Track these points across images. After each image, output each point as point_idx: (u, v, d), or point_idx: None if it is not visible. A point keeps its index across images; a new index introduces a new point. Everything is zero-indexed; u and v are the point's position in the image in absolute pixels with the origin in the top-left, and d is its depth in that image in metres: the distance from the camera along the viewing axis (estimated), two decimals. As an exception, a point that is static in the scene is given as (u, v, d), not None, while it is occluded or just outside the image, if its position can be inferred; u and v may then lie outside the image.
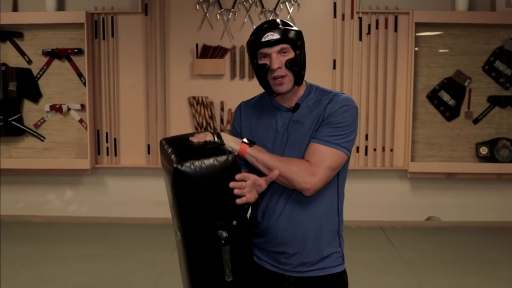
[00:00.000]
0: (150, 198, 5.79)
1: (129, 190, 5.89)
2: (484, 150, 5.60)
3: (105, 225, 5.79)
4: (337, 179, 2.04)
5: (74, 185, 5.94)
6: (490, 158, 5.59)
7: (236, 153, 1.86)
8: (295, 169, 1.90)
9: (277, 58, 1.95)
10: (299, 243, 2.02)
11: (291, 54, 1.96)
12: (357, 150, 5.61)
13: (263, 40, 1.95)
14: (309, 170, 1.90)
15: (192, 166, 1.78)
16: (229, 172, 1.83)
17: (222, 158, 1.81)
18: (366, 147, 5.64)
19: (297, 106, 2.03)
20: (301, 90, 2.06)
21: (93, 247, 5.13)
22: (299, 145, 1.99)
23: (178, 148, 1.90)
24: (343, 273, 2.09)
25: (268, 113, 2.09)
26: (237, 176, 1.83)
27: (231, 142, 1.93)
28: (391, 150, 5.64)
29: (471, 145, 5.65)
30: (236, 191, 1.83)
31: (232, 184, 1.82)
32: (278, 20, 2.01)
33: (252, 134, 2.08)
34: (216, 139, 1.90)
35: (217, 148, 1.87)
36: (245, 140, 1.96)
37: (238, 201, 1.84)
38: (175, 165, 1.78)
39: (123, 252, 5.04)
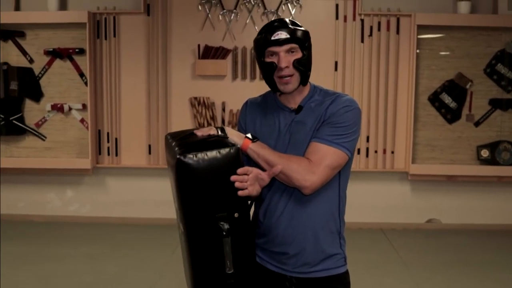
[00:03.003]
0: (150, 198, 5.79)
1: (129, 190, 5.89)
2: (485, 153, 5.60)
3: (105, 225, 5.79)
4: (338, 180, 2.04)
5: (75, 185, 5.94)
6: (491, 161, 5.58)
7: (239, 147, 1.87)
8: (295, 166, 1.90)
9: (285, 57, 1.96)
10: (299, 243, 2.02)
11: (298, 54, 1.98)
12: (358, 152, 5.61)
13: (272, 38, 1.96)
14: (309, 168, 1.90)
15: (195, 158, 1.80)
16: (232, 165, 1.84)
17: (225, 151, 1.83)
18: (367, 149, 5.64)
19: (299, 108, 2.04)
20: (305, 91, 2.07)
21: (94, 246, 5.13)
22: (301, 145, 1.99)
23: (182, 141, 1.93)
24: (346, 274, 2.09)
25: (272, 112, 2.10)
26: (239, 170, 1.85)
27: (235, 137, 1.95)
28: (392, 152, 5.64)
29: (472, 147, 5.65)
30: (237, 184, 1.84)
31: (233, 178, 1.84)
32: (287, 20, 2.02)
33: (256, 132, 2.08)
34: (220, 132, 1.94)
35: (220, 141, 1.89)
36: (248, 135, 1.97)
37: (240, 193, 1.85)
38: (178, 156, 1.80)
39: (124, 251, 5.04)
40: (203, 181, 1.82)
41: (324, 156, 1.92)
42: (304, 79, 2.01)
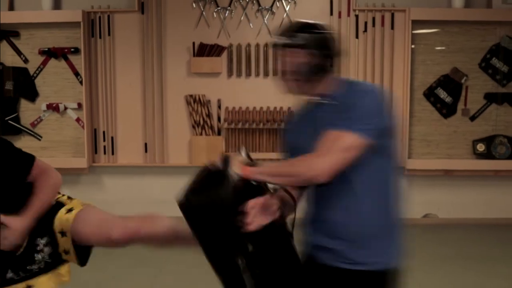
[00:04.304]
0: (148, 196, 5.78)
1: (126, 189, 5.88)
2: (481, 147, 5.61)
3: (102, 224, 5.77)
4: (367, 174, 1.94)
5: (71, 184, 5.92)
6: (487, 155, 5.59)
7: (233, 184, 1.83)
8: (297, 162, 1.87)
9: None
10: (327, 241, 1.98)
11: None
12: (354, 147, 5.61)
13: None
14: (313, 156, 1.83)
15: (193, 199, 1.83)
16: (229, 205, 1.81)
17: (221, 190, 1.81)
18: (363, 145, 5.63)
19: (321, 103, 2.01)
20: (329, 87, 2.03)
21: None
22: (316, 139, 1.90)
23: (194, 179, 1.92)
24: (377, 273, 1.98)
25: (308, 108, 2.10)
26: (243, 209, 1.80)
27: (235, 168, 1.88)
28: (388, 147, 5.64)
29: (468, 142, 5.66)
30: (239, 224, 1.79)
31: (235, 222, 1.80)
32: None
33: (295, 130, 2.13)
34: (224, 165, 1.88)
35: (220, 178, 1.84)
36: (243, 162, 1.91)
37: (245, 229, 1.79)
38: (179, 198, 1.85)
39: (121, 250, 4.99)
40: (204, 221, 1.83)
41: (330, 140, 1.82)
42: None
